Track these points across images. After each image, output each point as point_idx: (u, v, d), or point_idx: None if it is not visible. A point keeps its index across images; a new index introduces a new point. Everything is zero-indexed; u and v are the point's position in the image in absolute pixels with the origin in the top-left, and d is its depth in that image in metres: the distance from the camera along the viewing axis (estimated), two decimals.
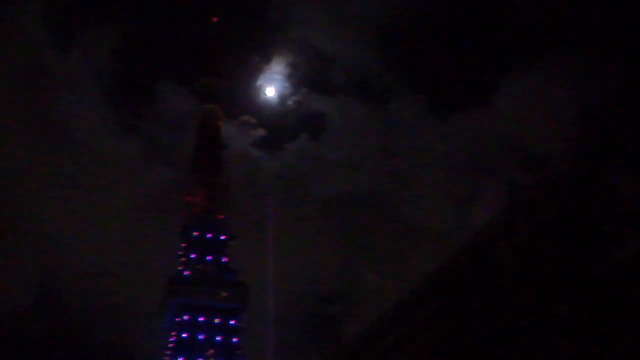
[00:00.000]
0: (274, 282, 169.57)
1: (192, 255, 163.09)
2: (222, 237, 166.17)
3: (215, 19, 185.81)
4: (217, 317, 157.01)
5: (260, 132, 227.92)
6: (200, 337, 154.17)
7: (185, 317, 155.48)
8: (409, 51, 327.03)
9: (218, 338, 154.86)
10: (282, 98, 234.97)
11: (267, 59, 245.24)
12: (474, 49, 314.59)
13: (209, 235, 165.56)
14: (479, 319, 56.63)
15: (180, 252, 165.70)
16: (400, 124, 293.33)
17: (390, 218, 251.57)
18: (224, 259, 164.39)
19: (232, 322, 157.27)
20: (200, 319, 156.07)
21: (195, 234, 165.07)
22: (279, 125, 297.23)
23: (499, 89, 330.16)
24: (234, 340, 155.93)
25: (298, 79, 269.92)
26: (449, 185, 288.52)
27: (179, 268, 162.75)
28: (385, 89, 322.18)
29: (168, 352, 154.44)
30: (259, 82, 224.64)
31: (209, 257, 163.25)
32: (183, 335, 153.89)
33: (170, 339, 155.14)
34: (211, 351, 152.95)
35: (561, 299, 49.79)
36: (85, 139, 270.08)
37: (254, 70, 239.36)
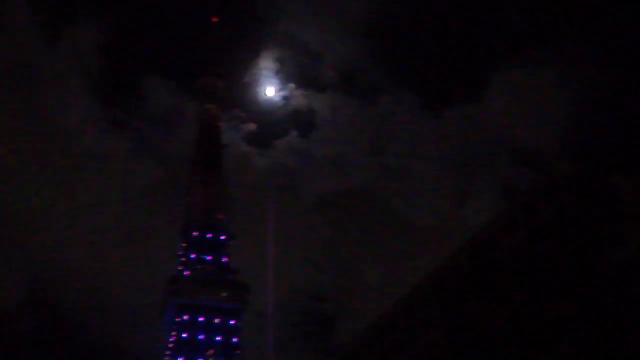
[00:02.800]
0: (273, 282, 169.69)
1: (192, 255, 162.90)
2: (222, 237, 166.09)
3: (215, 19, 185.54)
4: (217, 317, 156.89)
5: (251, 126, 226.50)
6: (200, 337, 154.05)
7: (185, 317, 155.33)
8: (399, 46, 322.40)
9: (218, 338, 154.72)
10: (271, 94, 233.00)
11: (254, 54, 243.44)
12: (465, 44, 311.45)
13: (209, 235, 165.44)
14: (479, 319, 56.63)
15: (180, 252, 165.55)
16: (391, 119, 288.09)
17: (382, 215, 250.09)
18: (224, 259, 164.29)
19: (232, 322, 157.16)
20: (200, 319, 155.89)
21: (195, 234, 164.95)
22: (268, 122, 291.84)
23: (490, 84, 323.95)
24: (234, 340, 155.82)
25: (286, 74, 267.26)
26: (442, 182, 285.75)
27: (179, 268, 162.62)
28: (375, 84, 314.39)
29: (168, 352, 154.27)
30: (246, 78, 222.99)
31: (209, 257, 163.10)
32: (183, 335, 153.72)
33: (170, 339, 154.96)
34: (211, 351, 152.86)
35: (561, 299, 49.79)
36: (74, 135, 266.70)
37: (241, 66, 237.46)
